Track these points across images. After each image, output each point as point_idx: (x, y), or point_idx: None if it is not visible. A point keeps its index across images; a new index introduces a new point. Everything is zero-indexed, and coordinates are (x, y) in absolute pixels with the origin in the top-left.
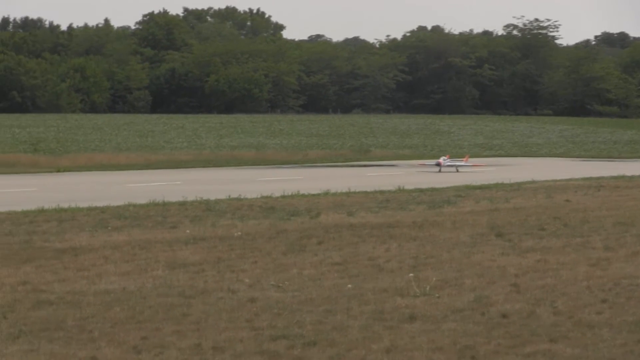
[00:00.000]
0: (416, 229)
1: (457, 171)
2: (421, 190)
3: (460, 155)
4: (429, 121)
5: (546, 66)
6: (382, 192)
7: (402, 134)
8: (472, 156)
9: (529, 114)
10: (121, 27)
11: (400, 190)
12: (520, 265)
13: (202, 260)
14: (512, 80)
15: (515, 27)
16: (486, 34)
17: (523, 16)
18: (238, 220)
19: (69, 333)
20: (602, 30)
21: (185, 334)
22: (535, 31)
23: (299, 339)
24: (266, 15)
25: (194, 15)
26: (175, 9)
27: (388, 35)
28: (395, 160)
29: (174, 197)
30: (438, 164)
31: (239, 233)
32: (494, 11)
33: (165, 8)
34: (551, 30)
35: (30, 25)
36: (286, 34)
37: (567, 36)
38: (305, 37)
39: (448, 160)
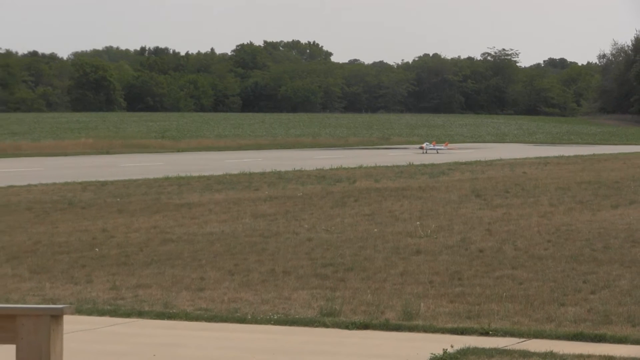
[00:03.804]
0: (421, 191)
1: (437, 152)
2: (425, 165)
3: (443, 141)
4: (430, 118)
5: (510, 81)
6: (398, 166)
7: (411, 127)
8: (453, 142)
9: (499, 114)
10: (221, 53)
11: (410, 165)
12: (492, 217)
13: (276, 212)
14: (486, 91)
15: (489, 54)
16: (469, 58)
17: (494, 46)
18: (300, 185)
19: (185, 261)
20: (549, 56)
21: (263, 262)
22: (502, 57)
23: (341, 266)
24: (319, 45)
25: (270, 45)
26: (258, 41)
27: (403, 59)
28: (407, 144)
29: (256, 169)
30: (422, 148)
31: (301, 194)
32: (475, 43)
33: (251, 40)
34: (514, 56)
35: (159, 52)
36: (333, 58)
37: (524, 60)
38: (346, 60)
39: (431, 145)
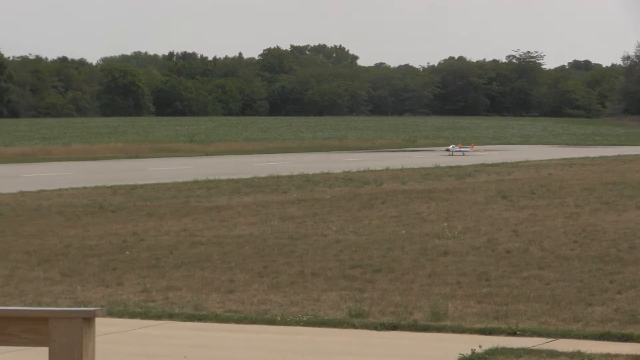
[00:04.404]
0: (448, 193)
1: (463, 155)
2: (451, 167)
3: (469, 144)
4: (455, 121)
5: (535, 83)
6: (424, 168)
7: (437, 129)
8: (479, 144)
9: (523, 116)
10: (249, 58)
11: (437, 167)
12: (518, 218)
13: (304, 214)
14: (511, 93)
15: (514, 56)
16: (494, 61)
17: (519, 49)
18: (328, 187)
19: (215, 264)
20: (573, 59)
21: (292, 264)
22: (527, 59)
23: (369, 267)
24: (346, 49)
25: (297, 50)
26: (285, 46)
27: (428, 62)
28: (433, 147)
29: (284, 172)
30: (448, 150)
31: (328, 196)
32: (500, 46)
33: (278, 45)
34: (538, 59)
35: (187, 57)
36: (359, 62)
37: (549, 63)
38: (372, 64)
39: (457, 147)
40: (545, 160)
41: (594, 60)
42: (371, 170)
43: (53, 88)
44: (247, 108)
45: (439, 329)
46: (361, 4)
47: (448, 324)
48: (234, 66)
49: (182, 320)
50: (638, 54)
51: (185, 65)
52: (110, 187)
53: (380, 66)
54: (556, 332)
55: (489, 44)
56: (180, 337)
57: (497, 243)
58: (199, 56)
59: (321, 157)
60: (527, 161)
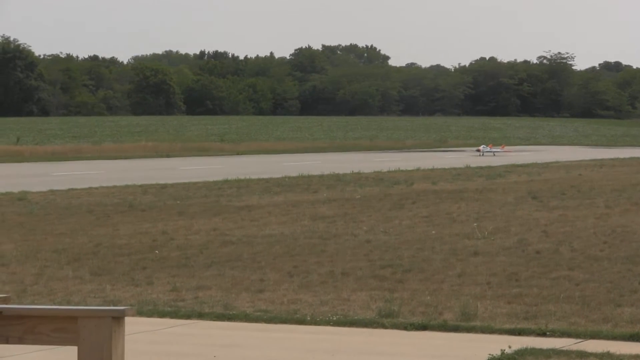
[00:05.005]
0: (478, 193)
1: (494, 155)
2: (481, 168)
3: (499, 144)
4: (486, 121)
5: (566, 84)
6: (455, 168)
7: (468, 130)
8: (509, 144)
9: (554, 117)
10: (280, 57)
11: (467, 167)
12: (548, 218)
13: (334, 214)
14: (542, 93)
15: (545, 57)
16: (525, 62)
17: (550, 50)
18: (358, 187)
19: (245, 263)
20: (604, 60)
21: (323, 263)
22: (558, 60)
23: (399, 267)
24: (377, 49)
25: (328, 50)
26: (316, 45)
27: (459, 63)
28: (464, 147)
29: (315, 171)
30: (478, 150)
31: (359, 196)
32: (531, 46)
33: (309, 44)
34: (569, 60)
35: (219, 56)
36: (391, 62)
37: (580, 64)
38: (403, 64)
39: (488, 148)
40: (575, 161)
41: (624, 62)
42: (402, 170)
43: (84, 87)
44: (278, 107)
45: (468, 329)
46: (393, 4)
47: (478, 324)
48: (265, 65)
49: (211, 319)
50: None
51: (216, 65)
52: (141, 186)
53: (411, 66)
54: (585, 333)
55: (520, 44)
56: (210, 337)
57: (527, 244)
58: (230, 55)
59: (352, 157)
60: (557, 162)
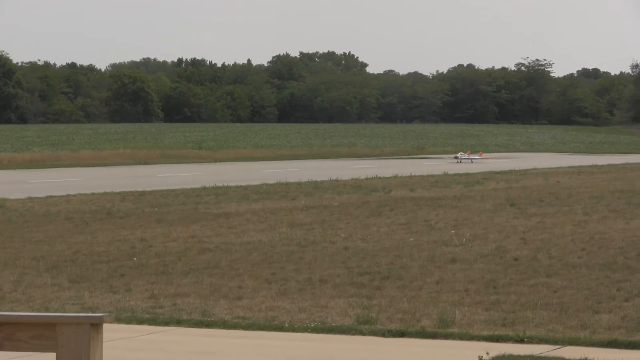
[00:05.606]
0: (456, 200)
1: (472, 162)
2: (459, 175)
3: (477, 151)
4: (464, 128)
5: (544, 91)
6: (433, 175)
7: (446, 137)
8: (487, 151)
9: (532, 124)
10: (258, 64)
11: (445, 175)
12: (526, 225)
13: (312, 221)
14: (520, 100)
15: (523, 64)
16: (503, 69)
17: (528, 57)
18: (336, 194)
19: (223, 270)
20: (582, 67)
21: (301, 271)
22: (536, 67)
23: (377, 274)
24: (355, 57)
25: (306, 57)
26: (294, 53)
27: (437, 70)
28: (442, 154)
29: (293, 179)
30: (456, 157)
31: (337, 203)
32: (508, 53)
33: (287, 52)
34: (547, 67)
35: (197, 63)
36: (369, 69)
37: (558, 71)
38: (381, 71)
39: (465, 155)
40: (553, 168)
41: (602, 69)
42: (380, 178)
43: (62, 94)
44: (256, 115)
45: (446, 336)
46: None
47: (456, 331)
48: (243, 73)
49: (190, 326)
50: None
51: (194, 72)
52: (119, 193)
53: (389, 73)
54: (563, 340)
55: (497, 51)
56: (188, 344)
57: (505, 250)
58: (208, 63)
59: (330, 164)
60: (535, 169)
